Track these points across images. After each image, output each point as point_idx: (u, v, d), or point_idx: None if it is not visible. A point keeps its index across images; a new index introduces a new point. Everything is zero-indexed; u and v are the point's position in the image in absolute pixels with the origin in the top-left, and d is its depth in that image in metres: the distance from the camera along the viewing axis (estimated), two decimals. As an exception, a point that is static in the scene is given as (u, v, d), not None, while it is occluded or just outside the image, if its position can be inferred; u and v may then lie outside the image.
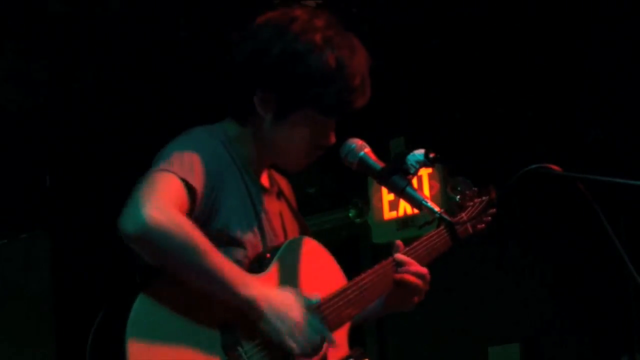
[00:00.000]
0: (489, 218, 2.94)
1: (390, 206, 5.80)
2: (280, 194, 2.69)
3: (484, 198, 2.93)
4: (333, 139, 2.56)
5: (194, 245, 2.27)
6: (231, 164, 2.50)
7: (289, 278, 2.49)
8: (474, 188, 2.91)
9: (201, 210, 2.39)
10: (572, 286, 5.18)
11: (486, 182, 2.95)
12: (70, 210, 6.43)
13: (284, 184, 2.78)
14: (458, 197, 2.87)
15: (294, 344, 2.35)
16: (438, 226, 2.78)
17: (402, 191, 2.54)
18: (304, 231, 2.73)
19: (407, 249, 2.69)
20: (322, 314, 2.46)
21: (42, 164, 6.59)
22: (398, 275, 2.63)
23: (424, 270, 2.67)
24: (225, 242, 2.44)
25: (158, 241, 2.24)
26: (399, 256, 2.66)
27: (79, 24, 5.28)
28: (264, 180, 2.63)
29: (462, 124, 5.52)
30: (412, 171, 2.53)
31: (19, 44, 5.45)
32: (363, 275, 2.59)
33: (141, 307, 2.25)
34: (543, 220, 5.18)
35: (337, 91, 2.45)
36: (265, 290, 2.35)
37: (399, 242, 2.71)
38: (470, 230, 2.88)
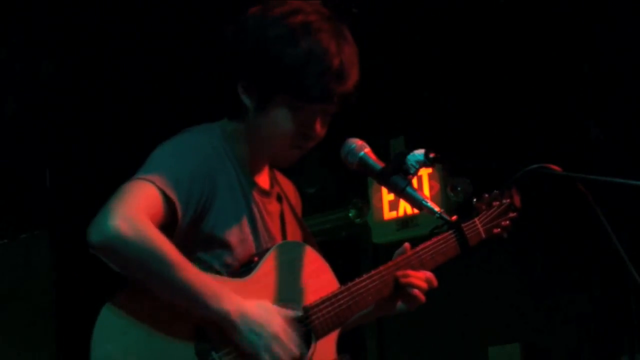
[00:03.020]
0: (508, 222, 2.86)
1: (390, 206, 5.79)
2: (280, 197, 2.64)
3: (504, 201, 2.86)
4: (319, 129, 2.50)
5: (162, 257, 2.21)
6: (226, 163, 2.46)
7: (274, 282, 2.43)
8: (495, 191, 2.85)
9: (190, 216, 2.35)
10: (572, 286, 5.18)
11: (490, 183, 2.87)
12: (70, 210, 6.42)
13: (289, 188, 2.74)
14: (474, 200, 2.82)
15: (269, 358, 2.30)
16: (447, 231, 2.71)
17: (402, 191, 2.51)
18: (307, 237, 2.68)
19: (411, 253, 2.66)
20: (309, 319, 2.42)
21: (42, 164, 6.58)
22: (404, 280, 2.59)
23: (429, 274, 2.64)
24: (216, 245, 2.40)
25: (122, 252, 2.20)
26: (402, 260, 2.62)
27: (79, 23, 5.29)
28: (263, 180, 2.59)
29: (462, 124, 5.52)
30: (412, 171, 2.51)
31: (20, 44, 5.46)
32: (357, 280, 2.54)
33: (107, 314, 2.23)
34: (543, 220, 5.18)
35: (312, 76, 2.39)
36: (240, 303, 2.29)
37: (406, 245, 2.67)
38: (483, 235, 2.80)
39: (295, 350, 2.34)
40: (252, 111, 2.47)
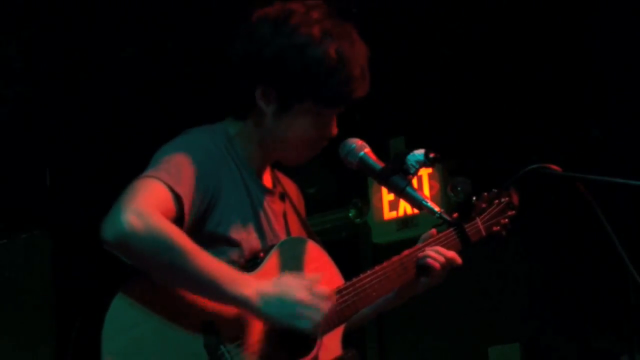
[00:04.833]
0: (507, 220, 2.89)
1: (390, 206, 5.80)
2: (283, 196, 2.66)
3: (502, 200, 2.89)
4: (335, 130, 2.54)
5: (177, 249, 2.23)
6: (230, 162, 2.47)
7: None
8: (493, 190, 2.88)
9: (196, 212, 2.37)
10: (572, 286, 5.18)
11: (490, 183, 2.91)
12: (70, 210, 6.42)
13: (292, 188, 2.75)
14: (474, 198, 2.85)
15: (303, 324, 2.32)
16: (447, 228, 2.74)
17: (402, 191, 2.53)
18: (311, 236, 2.68)
19: (412, 250, 2.68)
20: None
21: (42, 164, 6.58)
22: (429, 260, 2.64)
23: (451, 253, 2.68)
24: (220, 242, 2.42)
25: (137, 247, 2.21)
26: (405, 257, 2.65)
27: (79, 23, 5.28)
28: (266, 179, 2.60)
29: (462, 124, 5.52)
30: (412, 171, 2.53)
31: (21, 43, 5.46)
32: (361, 276, 2.56)
33: (119, 306, 2.24)
34: (543, 220, 5.18)
35: (338, 82, 2.43)
36: (258, 285, 2.31)
37: (433, 231, 2.72)
38: (484, 232, 2.83)
39: (322, 305, 2.34)
40: (271, 116, 2.49)
